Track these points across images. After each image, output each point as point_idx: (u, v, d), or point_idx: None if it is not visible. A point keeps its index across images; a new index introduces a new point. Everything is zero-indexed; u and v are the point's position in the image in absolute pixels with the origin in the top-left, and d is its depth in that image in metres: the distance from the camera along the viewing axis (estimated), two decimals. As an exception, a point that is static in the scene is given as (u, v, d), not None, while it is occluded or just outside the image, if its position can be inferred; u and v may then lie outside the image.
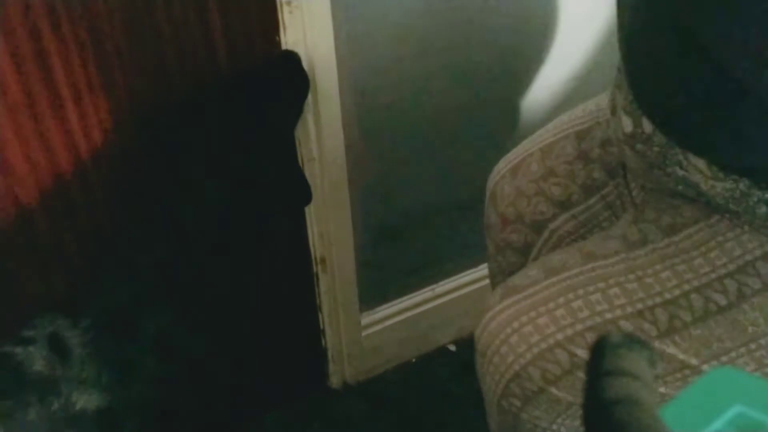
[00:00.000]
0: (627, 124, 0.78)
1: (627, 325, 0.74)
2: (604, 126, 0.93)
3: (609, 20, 1.32)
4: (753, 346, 0.73)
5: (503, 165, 1.03)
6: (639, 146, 0.78)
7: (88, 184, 1.02)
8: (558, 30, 1.29)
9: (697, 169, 0.72)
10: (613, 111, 0.83)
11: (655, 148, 0.75)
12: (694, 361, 0.73)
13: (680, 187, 0.75)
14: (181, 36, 0.98)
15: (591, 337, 0.74)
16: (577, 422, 0.78)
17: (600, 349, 0.36)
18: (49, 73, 0.92)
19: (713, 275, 0.72)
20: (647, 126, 0.75)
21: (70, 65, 0.93)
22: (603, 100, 0.97)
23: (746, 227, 0.72)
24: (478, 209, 1.11)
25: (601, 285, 0.76)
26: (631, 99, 0.76)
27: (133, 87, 0.98)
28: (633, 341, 0.36)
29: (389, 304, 1.45)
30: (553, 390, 0.76)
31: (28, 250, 1.03)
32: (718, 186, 0.71)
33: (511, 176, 1.01)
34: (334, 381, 1.47)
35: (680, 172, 0.73)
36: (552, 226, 0.97)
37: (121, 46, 0.94)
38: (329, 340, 1.40)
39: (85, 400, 0.85)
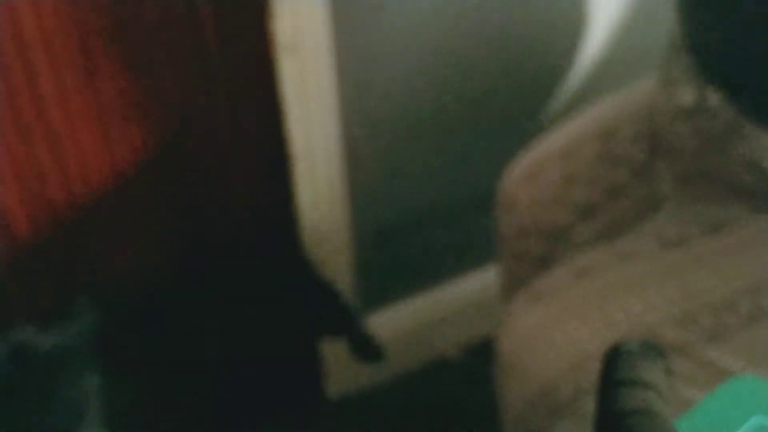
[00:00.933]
0: (686, 97, 0.75)
1: (666, 331, 0.70)
2: (641, 113, 0.90)
3: (624, 11, 1.31)
4: None
5: (517, 170, 0.99)
6: (698, 121, 0.74)
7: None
8: (573, 22, 1.27)
9: (766, 149, 0.68)
10: (667, 84, 0.79)
11: (719, 124, 0.71)
12: (738, 368, 0.70)
13: (739, 169, 0.71)
14: (167, 25, 0.97)
15: None
16: None
17: (614, 358, 0.35)
18: (32, 66, 0.91)
19: (761, 277, 0.69)
20: (713, 98, 0.71)
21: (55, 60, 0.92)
22: (626, 95, 0.94)
23: None
24: (484, 209, 1.09)
25: (637, 288, 0.72)
26: (695, 71, 0.73)
27: (119, 82, 0.97)
28: (648, 350, 0.35)
29: (389, 310, 1.42)
30: (585, 404, 0.72)
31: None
32: None
33: (527, 183, 0.97)
34: (332, 391, 1.44)
35: (745, 152, 0.70)
36: (574, 234, 0.93)
37: (105, 37, 0.94)
38: (326, 348, 1.38)
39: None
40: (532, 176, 0.97)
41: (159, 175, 1.07)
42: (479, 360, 1.48)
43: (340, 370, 1.42)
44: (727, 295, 0.70)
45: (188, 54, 1.01)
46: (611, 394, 0.33)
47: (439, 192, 1.33)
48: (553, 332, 0.74)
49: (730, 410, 0.35)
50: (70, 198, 1.02)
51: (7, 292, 1.04)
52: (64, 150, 0.98)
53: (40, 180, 0.98)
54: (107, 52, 0.95)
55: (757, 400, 0.35)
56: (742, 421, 0.34)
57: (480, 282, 1.46)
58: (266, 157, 1.14)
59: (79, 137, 0.98)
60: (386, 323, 1.42)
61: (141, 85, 1.00)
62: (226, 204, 1.15)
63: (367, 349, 1.16)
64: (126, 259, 1.11)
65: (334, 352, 1.39)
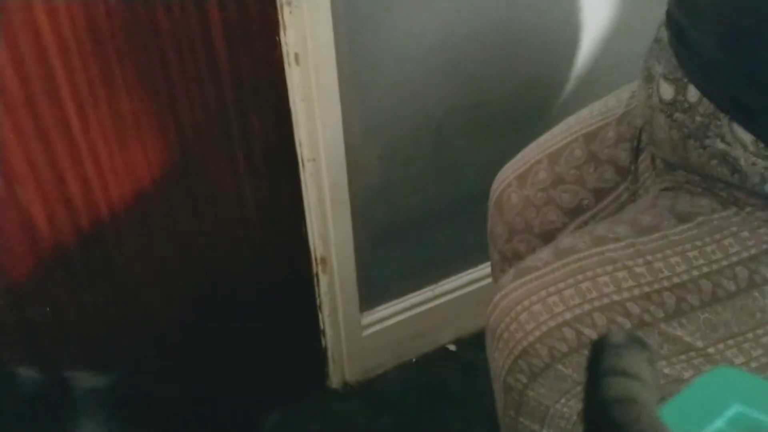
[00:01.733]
0: (667, 91, 0.78)
1: (634, 307, 0.74)
2: (620, 117, 0.92)
3: (611, 21, 1.32)
4: (760, 331, 0.73)
5: (509, 172, 1.02)
6: (677, 115, 0.77)
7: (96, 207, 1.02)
8: (562, 31, 1.28)
9: (740, 144, 0.71)
10: (649, 79, 0.82)
11: (698, 118, 0.74)
12: (699, 344, 0.74)
13: (713, 162, 0.75)
14: (179, 34, 0.98)
15: (598, 317, 0.75)
16: (581, 404, 0.77)
17: (599, 349, 0.36)
18: (51, 74, 0.92)
19: (725, 262, 0.73)
20: (692, 95, 0.74)
21: (70, 65, 0.93)
22: (611, 99, 0.96)
23: (764, 220, 0.72)
24: (478, 209, 1.10)
25: (609, 268, 0.77)
26: (676, 67, 0.76)
27: (133, 89, 0.98)
28: (633, 341, 0.36)
29: (389, 304, 1.44)
30: (560, 367, 0.77)
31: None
32: (760, 164, 0.70)
33: (518, 185, 0.99)
34: (334, 381, 1.46)
35: (720, 146, 0.73)
36: (562, 235, 0.96)
37: (120, 45, 0.95)
38: (329, 340, 1.40)
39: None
40: (523, 178, 0.99)
41: (173, 180, 1.08)
42: (474, 351, 1.49)
43: (341, 362, 1.44)
44: (690, 277, 0.74)
45: (200, 64, 1.01)
46: (597, 384, 0.34)
47: (436, 194, 1.35)
48: (533, 304, 0.79)
49: (710, 400, 0.36)
50: (88, 200, 1.03)
51: (26, 290, 1.04)
52: (81, 154, 0.99)
53: (59, 182, 0.99)
54: (121, 62, 0.96)
55: (736, 390, 0.36)
56: (722, 410, 0.35)
57: (474, 279, 1.49)
58: (275, 161, 1.15)
59: (95, 143, 0.99)
60: (387, 317, 1.44)
61: (154, 94, 1.00)
62: (237, 205, 1.15)
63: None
64: (143, 258, 1.11)
65: (335, 346, 1.41)
